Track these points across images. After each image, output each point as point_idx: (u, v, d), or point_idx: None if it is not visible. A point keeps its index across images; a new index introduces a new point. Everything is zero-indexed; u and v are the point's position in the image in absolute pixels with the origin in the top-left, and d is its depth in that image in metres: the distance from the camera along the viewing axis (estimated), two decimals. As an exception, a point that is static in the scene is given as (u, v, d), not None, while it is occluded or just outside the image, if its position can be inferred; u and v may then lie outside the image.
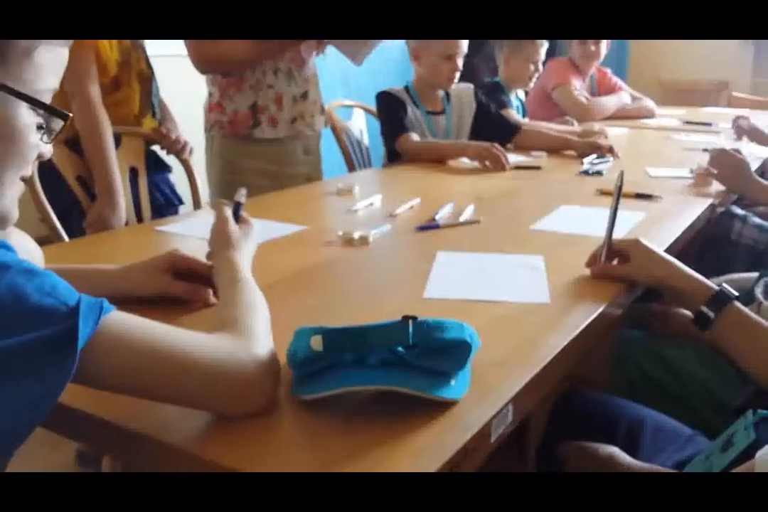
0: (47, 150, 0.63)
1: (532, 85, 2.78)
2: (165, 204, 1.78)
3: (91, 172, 1.58)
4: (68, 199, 1.60)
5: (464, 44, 2.15)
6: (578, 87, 3.11)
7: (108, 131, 1.56)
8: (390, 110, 2.15)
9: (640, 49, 4.58)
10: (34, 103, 0.59)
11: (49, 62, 0.60)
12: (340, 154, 2.37)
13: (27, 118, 0.59)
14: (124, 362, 0.59)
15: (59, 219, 1.53)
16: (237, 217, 0.91)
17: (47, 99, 0.61)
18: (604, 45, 3.15)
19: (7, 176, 0.60)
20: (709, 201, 1.56)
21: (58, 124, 0.62)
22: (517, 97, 2.80)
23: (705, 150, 2.27)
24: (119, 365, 0.59)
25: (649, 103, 3.34)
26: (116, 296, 0.82)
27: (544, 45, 2.69)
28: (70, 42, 0.63)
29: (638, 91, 3.77)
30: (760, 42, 4.39)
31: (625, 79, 4.50)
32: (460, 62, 2.16)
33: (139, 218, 1.69)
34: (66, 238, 1.50)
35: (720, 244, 1.49)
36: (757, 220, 1.70)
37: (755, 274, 1.19)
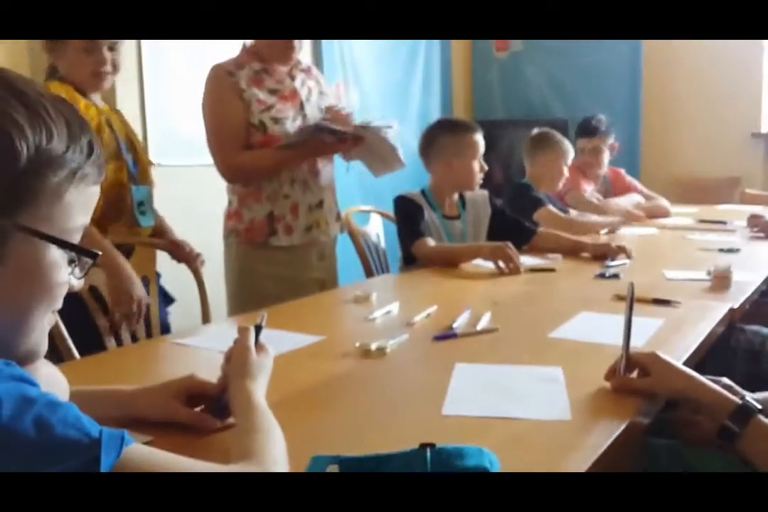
0: (78, 284, 0.66)
1: (560, 186, 2.88)
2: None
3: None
4: (80, 312, 1.58)
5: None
6: (588, 190, 3.19)
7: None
8: (407, 215, 2.21)
9: (652, 146, 4.70)
10: (64, 245, 0.62)
11: (78, 202, 0.63)
12: (357, 259, 2.42)
13: (57, 256, 0.62)
14: None
15: (71, 334, 1.47)
16: (256, 341, 0.93)
17: (77, 236, 0.64)
18: (604, 155, 3.26)
19: (39, 312, 0.62)
20: (728, 305, 1.55)
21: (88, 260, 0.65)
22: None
23: (721, 250, 2.29)
24: None
25: (663, 202, 3.40)
26: (130, 419, 0.82)
27: (571, 150, 2.85)
28: (101, 179, 0.67)
29: (651, 188, 3.86)
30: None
31: (638, 177, 4.61)
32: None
33: (148, 326, 1.71)
34: (77, 354, 1.45)
35: (720, 349, 1.48)
36: (753, 327, 1.69)
37: None
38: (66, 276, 0.63)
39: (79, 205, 0.63)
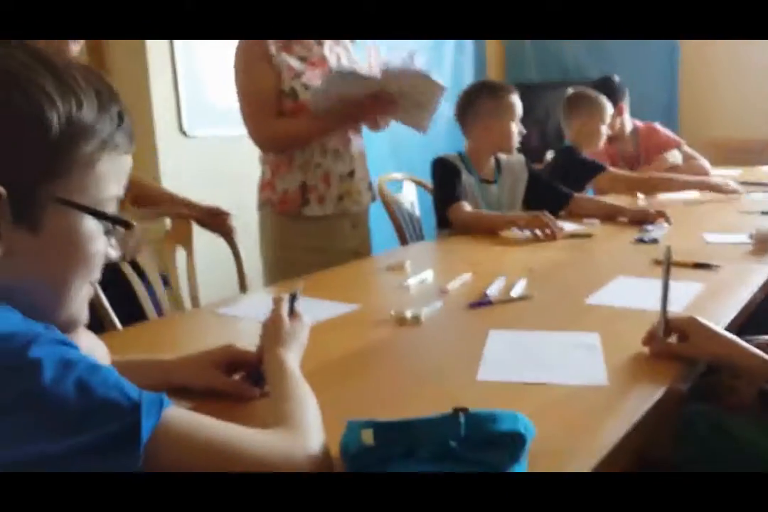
0: (114, 254, 0.67)
1: (601, 143, 2.83)
2: None
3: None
4: (119, 284, 1.58)
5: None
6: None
7: None
8: (445, 178, 2.20)
9: (691, 106, 4.57)
10: (99, 216, 0.63)
11: (111, 171, 0.64)
12: (392, 227, 2.41)
13: (93, 227, 0.63)
14: (181, 456, 0.60)
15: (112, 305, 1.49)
16: (291, 310, 0.94)
17: (112, 206, 0.65)
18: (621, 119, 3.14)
19: (76, 282, 0.64)
20: (771, 268, 1.51)
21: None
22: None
23: (764, 213, 2.23)
24: (176, 459, 0.60)
25: (703, 162, 3.27)
26: (171, 387, 0.84)
27: (608, 107, 2.78)
28: (132, 148, 0.67)
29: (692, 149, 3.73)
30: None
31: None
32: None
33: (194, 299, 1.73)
34: (119, 325, 1.47)
35: (762, 311, 1.44)
36: None
37: None
38: (102, 246, 0.64)
39: (112, 175, 0.64)
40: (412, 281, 1.50)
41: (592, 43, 4.70)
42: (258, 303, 1.37)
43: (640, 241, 1.88)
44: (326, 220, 1.99)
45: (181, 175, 2.90)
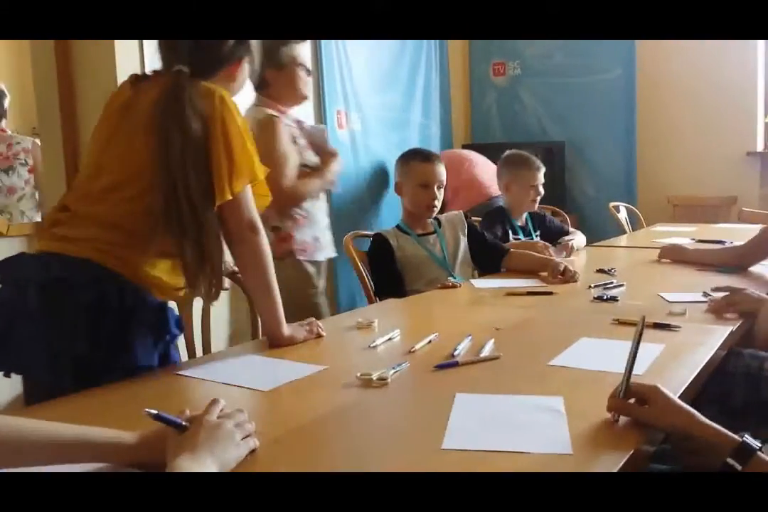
0: None
1: (536, 206, 2.91)
2: None
3: None
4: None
5: (441, 174, 2.37)
6: None
7: None
8: (376, 258, 2.35)
9: (648, 166, 4.73)
10: None
11: None
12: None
13: None
14: None
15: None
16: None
17: None
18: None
19: None
20: (729, 328, 1.55)
21: None
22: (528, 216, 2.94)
23: (720, 271, 2.30)
24: None
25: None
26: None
27: (541, 169, 2.88)
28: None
29: (648, 209, 3.84)
30: (767, 155, 4.52)
31: (635, 197, 4.64)
32: (438, 192, 2.35)
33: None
34: None
35: (718, 373, 1.47)
36: (749, 350, 1.66)
37: None
38: None
39: None
40: (380, 341, 1.51)
41: (553, 108, 4.89)
42: (218, 367, 1.36)
43: (600, 298, 1.91)
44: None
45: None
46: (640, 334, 1.03)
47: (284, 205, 2.35)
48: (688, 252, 2.54)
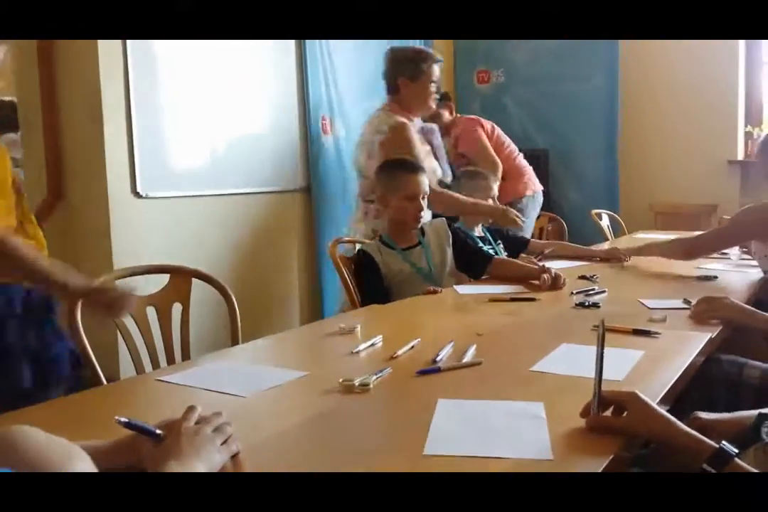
0: None
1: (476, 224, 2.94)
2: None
3: None
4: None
5: (426, 184, 2.38)
6: None
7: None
8: (360, 273, 2.32)
9: (630, 174, 4.77)
10: None
11: None
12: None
13: None
14: None
15: None
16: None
17: None
18: None
19: None
20: (708, 335, 1.57)
21: None
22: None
23: (699, 278, 2.33)
24: None
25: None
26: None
27: (497, 181, 3.02)
28: None
29: (629, 216, 3.85)
30: (747, 163, 4.57)
31: (617, 204, 4.67)
32: (423, 203, 2.36)
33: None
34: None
35: (698, 379, 1.48)
36: (729, 356, 1.67)
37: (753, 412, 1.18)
38: None
39: None
40: (362, 346, 1.50)
41: (537, 116, 4.92)
42: (199, 373, 1.35)
43: (581, 305, 1.93)
44: None
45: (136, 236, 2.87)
46: (603, 337, 1.03)
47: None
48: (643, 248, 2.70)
